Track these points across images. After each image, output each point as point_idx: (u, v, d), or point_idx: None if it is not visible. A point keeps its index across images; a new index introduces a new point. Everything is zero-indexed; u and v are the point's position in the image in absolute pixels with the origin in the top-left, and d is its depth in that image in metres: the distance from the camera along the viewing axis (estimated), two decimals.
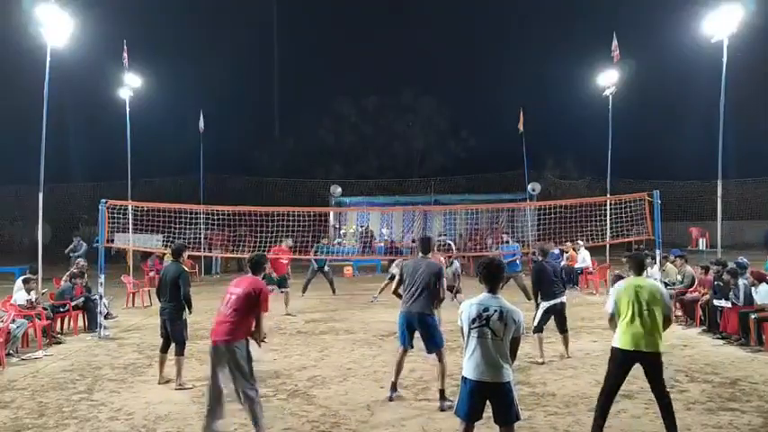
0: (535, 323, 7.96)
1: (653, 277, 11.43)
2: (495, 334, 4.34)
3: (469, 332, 4.43)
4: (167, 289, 7.15)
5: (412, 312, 6.37)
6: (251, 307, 5.28)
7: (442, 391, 6.24)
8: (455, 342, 9.12)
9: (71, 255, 15.11)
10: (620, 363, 5.22)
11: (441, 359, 6.33)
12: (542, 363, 7.84)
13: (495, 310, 4.38)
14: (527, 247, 19.61)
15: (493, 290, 4.51)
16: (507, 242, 15.20)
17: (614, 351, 5.25)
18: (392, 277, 13.23)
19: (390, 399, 6.48)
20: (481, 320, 4.38)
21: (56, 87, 11.64)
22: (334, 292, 14.89)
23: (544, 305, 8.02)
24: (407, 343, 6.52)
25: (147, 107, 19.68)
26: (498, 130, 30.53)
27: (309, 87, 39.31)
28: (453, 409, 4.59)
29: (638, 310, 5.10)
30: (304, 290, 14.43)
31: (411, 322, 6.41)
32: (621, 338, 5.18)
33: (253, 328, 5.35)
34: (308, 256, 14.73)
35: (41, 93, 11.16)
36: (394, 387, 6.58)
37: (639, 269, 5.44)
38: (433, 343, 6.36)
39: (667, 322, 5.19)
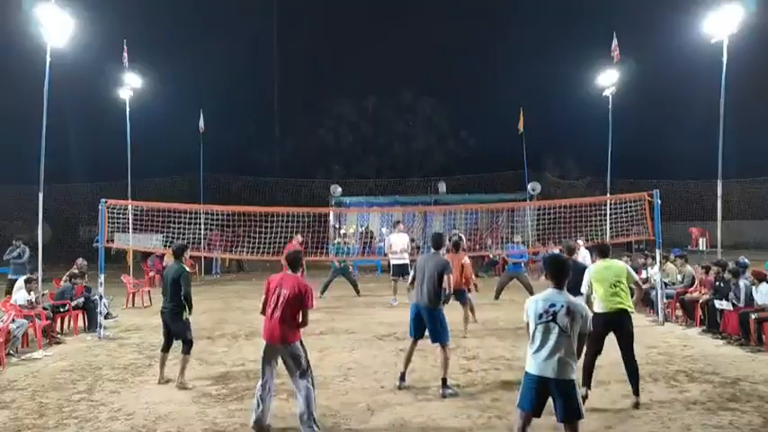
0: None
1: (653, 278, 11.48)
2: (563, 330, 4.34)
3: (536, 327, 4.43)
4: (168, 289, 7.18)
5: (420, 305, 6.83)
6: (299, 306, 5.59)
7: (444, 380, 6.67)
8: (454, 343, 9.14)
9: (13, 262, 14.22)
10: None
11: (443, 351, 6.71)
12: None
13: (563, 306, 4.38)
14: (528, 248, 19.64)
15: (559, 285, 4.50)
16: (517, 243, 15.28)
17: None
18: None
19: (399, 387, 6.82)
20: (548, 316, 4.39)
21: (56, 87, 11.64)
22: (358, 293, 14.73)
23: None
24: (416, 334, 6.91)
25: (147, 107, 19.67)
26: (498, 130, 30.52)
27: (309, 87, 39.29)
28: (516, 402, 4.59)
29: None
30: (323, 290, 14.33)
31: (420, 314, 6.83)
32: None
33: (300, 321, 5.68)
34: (317, 258, 14.73)
35: (41, 93, 11.16)
36: (403, 377, 6.89)
37: (603, 254, 6.78)
38: (437, 335, 6.75)
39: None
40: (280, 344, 5.57)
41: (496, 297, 13.66)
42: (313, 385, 5.67)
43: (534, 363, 4.40)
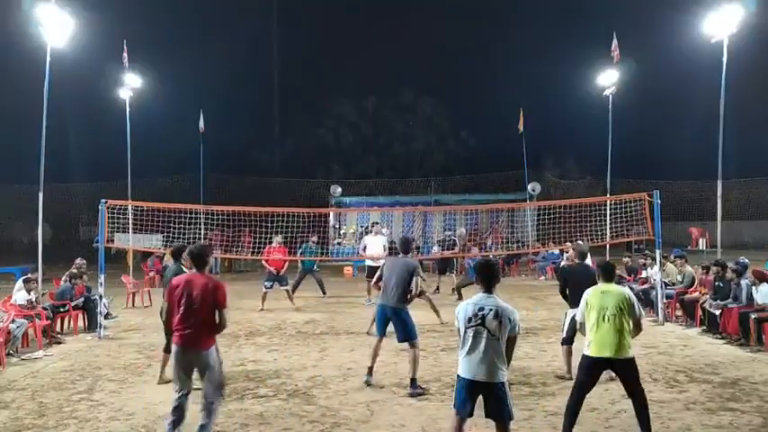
0: (563, 333, 7.28)
1: (653, 278, 11.47)
2: (492, 333, 4.42)
3: (465, 331, 4.50)
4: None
5: (387, 306, 6.93)
6: (213, 307, 5.06)
7: (412, 380, 6.67)
8: (456, 342, 9.14)
9: None
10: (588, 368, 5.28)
11: (412, 348, 6.76)
12: (569, 378, 6.78)
13: (491, 310, 4.46)
14: (527, 248, 19.66)
15: (488, 290, 4.59)
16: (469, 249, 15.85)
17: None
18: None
19: (367, 383, 6.93)
20: (477, 320, 4.46)
21: (56, 87, 11.65)
22: (324, 293, 14.63)
23: (571, 313, 7.16)
24: (381, 332, 7.06)
25: (147, 107, 19.70)
26: (498, 130, 30.55)
27: (309, 87, 39.32)
28: (452, 404, 4.71)
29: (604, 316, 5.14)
30: (293, 290, 14.26)
31: (386, 314, 6.95)
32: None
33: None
34: (303, 258, 14.59)
35: (41, 93, 11.16)
36: (370, 372, 7.03)
37: (609, 277, 5.49)
38: (404, 334, 6.83)
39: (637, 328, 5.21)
40: (193, 349, 5.03)
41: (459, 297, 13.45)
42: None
43: (465, 366, 4.47)
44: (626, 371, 5.18)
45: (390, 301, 6.87)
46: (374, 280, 7.50)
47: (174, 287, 5.14)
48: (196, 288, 5.04)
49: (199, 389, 5.13)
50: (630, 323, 5.13)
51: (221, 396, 5.20)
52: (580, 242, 10.94)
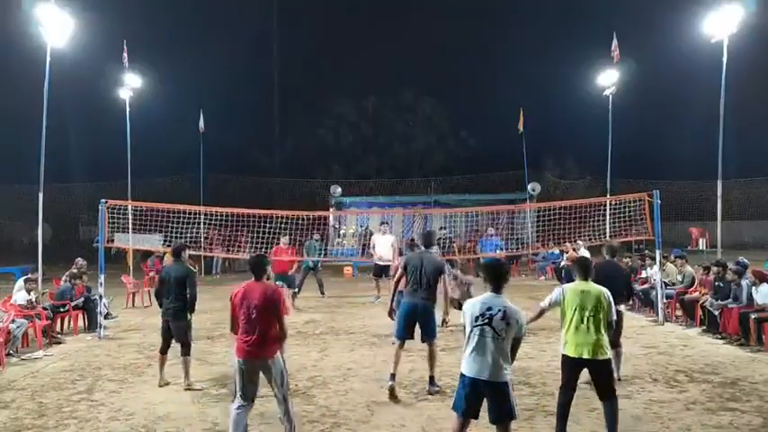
0: None
1: (653, 277, 11.47)
2: (498, 333, 4.39)
3: (471, 330, 4.48)
4: (171, 289, 7.06)
5: (418, 303, 6.73)
6: (273, 315, 5.13)
7: (431, 378, 6.73)
8: (457, 342, 9.14)
9: None
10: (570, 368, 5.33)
11: (433, 347, 6.77)
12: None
13: (500, 310, 4.43)
14: (527, 248, 19.67)
15: (497, 289, 4.56)
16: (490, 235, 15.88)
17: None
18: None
19: (391, 389, 6.53)
20: (484, 319, 4.44)
21: (56, 87, 11.65)
22: (323, 294, 14.59)
23: None
24: (406, 334, 6.81)
25: (147, 107, 19.70)
26: (498, 130, 30.54)
27: (309, 87, 39.30)
28: (452, 405, 4.66)
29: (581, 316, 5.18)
30: (298, 290, 14.29)
31: (415, 310, 6.73)
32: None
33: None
34: (306, 258, 14.58)
35: (41, 93, 11.16)
36: (393, 377, 6.71)
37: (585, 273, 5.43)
38: (431, 332, 6.77)
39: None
40: (260, 359, 5.07)
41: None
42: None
43: (469, 364, 4.46)
44: (600, 372, 5.19)
45: (422, 300, 6.74)
46: (397, 277, 7.20)
47: (233, 298, 5.18)
48: (255, 297, 5.05)
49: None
50: (607, 323, 5.18)
51: (289, 398, 5.21)
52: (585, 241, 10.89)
